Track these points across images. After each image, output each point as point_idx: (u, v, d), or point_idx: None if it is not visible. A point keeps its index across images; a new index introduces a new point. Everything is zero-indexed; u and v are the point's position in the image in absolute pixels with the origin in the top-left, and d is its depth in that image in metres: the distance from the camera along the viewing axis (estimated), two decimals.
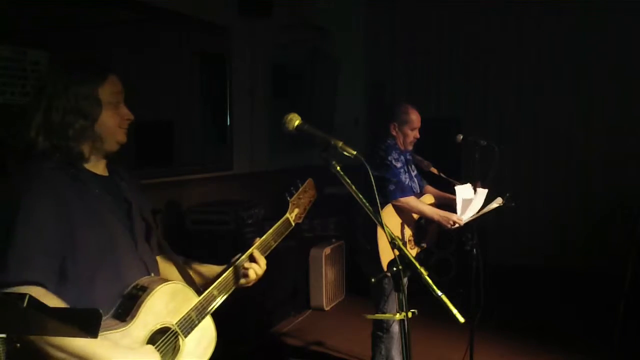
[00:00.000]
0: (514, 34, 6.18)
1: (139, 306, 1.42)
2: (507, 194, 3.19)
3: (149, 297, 1.44)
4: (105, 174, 1.57)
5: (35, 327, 1.12)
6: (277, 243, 1.77)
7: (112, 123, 1.51)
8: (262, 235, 1.74)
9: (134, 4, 3.85)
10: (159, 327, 1.46)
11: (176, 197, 4.25)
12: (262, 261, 1.69)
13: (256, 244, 1.71)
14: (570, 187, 6.09)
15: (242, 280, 1.66)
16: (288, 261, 4.59)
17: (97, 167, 1.55)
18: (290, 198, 1.84)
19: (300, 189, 1.88)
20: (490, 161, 3.23)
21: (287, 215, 1.82)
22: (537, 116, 6.19)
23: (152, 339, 1.44)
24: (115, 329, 1.38)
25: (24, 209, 1.34)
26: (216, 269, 1.71)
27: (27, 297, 0.98)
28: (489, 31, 6.29)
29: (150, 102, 4.00)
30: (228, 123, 4.93)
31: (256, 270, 1.66)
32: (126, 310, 1.42)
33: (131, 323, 1.40)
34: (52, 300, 1.30)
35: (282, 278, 4.52)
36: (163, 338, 1.47)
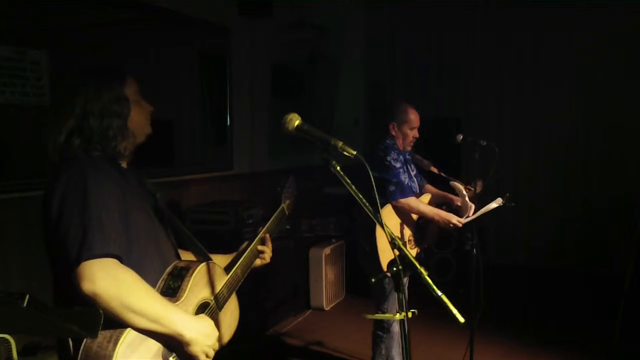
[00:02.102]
0: (514, 34, 6.18)
1: (186, 284, 1.58)
2: (507, 194, 3.19)
3: (192, 276, 1.60)
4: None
5: (35, 327, 1.12)
6: (276, 229, 2.05)
7: (140, 118, 1.67)
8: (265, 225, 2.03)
9: (134, 4, 3.85)
10: (201, 302, 1.64)
11: (176, 197, 4.25)
12: (270, 244, 1.96)
13: (263, 230, 1.97)
14: (570, 187, 6.09)
15: (258, 261, 1.93)
16: (288, 261, 4.59)
17: (124, 162, 1.68)
18: (282, 191, 2.12)
19: (287, 184, 2.16)
20: (490, 161, 3.23)
21: (283, 205, 2.11)
22: (537, 116, 6.20)
23: (196, 313, 1.61)
24: (174, 303, 1.53)
25: (93, 191, 1.45)
26: (224, 257, 1.92)
27: (27, 297, 0.98)
28: (489, 31, 6.30)
29: (150, 102, 3.99)
30: (228, 123, 4.93)
31: (268, 251, 1.94)
32: (173, 288, 1.58)
33: (183, 298, 1.56)
34: (130, 272, 1.42)
35: (282, 278, 4.52)
36: (204, 312, 1.64)
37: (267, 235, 1.96)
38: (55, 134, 1.56)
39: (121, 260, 1.43)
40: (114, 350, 1.36)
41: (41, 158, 1.62)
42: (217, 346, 1.60)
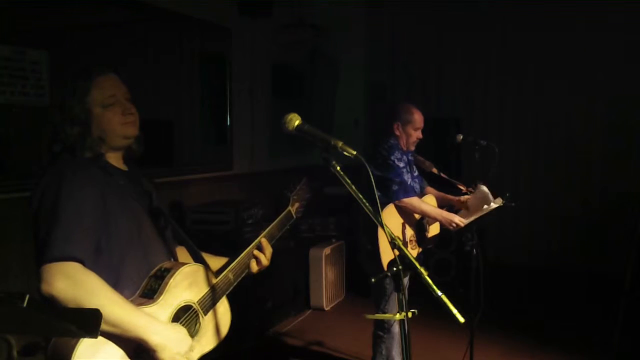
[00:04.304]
0: (514, 33, 6.18)
1: (165, 285, 1.55)
2: (507, 194, 3.19)
3: (173, 277, 1.57)
4: (125, 169, 1.71)
5: (35, 327, 1.12)
6: (280, 233, 1.93)
7: (112, 122, 1.61)
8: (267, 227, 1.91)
9: (134, 4, 3.85)
10: (182, 305, 1.59)
11: (176, 197, 4.25)
12: (269, 249, 1.84)
13: (264, 232, 1.87)
14: (570, 187, 6.09)
15: (254, 266, 1.81)
16: (288, 261, 4.59)
17: (118, 162, 1.68)
18: (291, 193, 2.00)
19: (299, 186, 2.05)
20: (490, 161, 3.23)
21: (289, 208, 1.98)
22: (537, 116, 6.19)
23: (176, 316, 1.57)
24: (146, 305, 1.50)
25: (66, 193, 1.46)
26: (221, 259, 1.85)
27: (27, 297, 0.98)
28: (489, 31, 6.29)
29: (150, 102, 4.00)
30: (228, 123, 4.93)
31: (265, 256, 1.82)
32: (153, 290, 1.55)
33: (159, 300, 1.53)
34: (91, 276, 1.42)
35: (282, 278, 4.52)
36: (186, 315, 1.60)
37: (265, 241, 1.84)
38: (46, 137, 1.61)
39: (84, 263, 1.42)
40: (76, 344, 1.36)
41: (41, 158, 1.65)
42: (190, 355, 1.55)
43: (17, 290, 1.17)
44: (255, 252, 1.82)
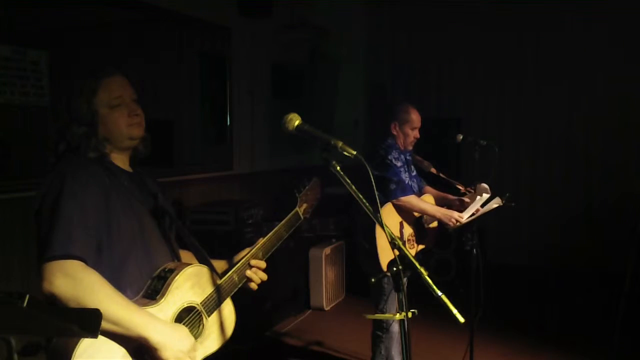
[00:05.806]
0: (514, 34, 6.19)
1: (168, 286, 1.54)
2: (507, 194, 3.19)
3: (176, 278, 1.56)
4: (131, 170, 1.71)
5: (36, 327, 1.12)
6: (287, 234, 1.89)
7: (118, 123, 1.62)
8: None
9: (134, 4, 3.85)
10: (185, 305, 1.58)
11: (176, 197, 4.25)
12: (262, 264, 1.79)
13: (270, 233, 1.84)
14: (570, 187, 6.09)
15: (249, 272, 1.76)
16: (288, 261, 4.59)
17: (124, 163, 1.69)
18: (299, 194, 1.95)
19: (308, 186, 2.00)
20: (490, 161, 3.23)
21: (297, 208, 1.93)
22: (537, 116, 6.20)
23: (179, 317, 1.56)
24: (148, 306, 1.50)
25: (69, 191, 1.46)
26: (223, 263, 1.83)
27: (27, 297, 0.98)
28: (489, 31, 6.30)
29: (150, 102, 4.00)
30: (228, 123, 4.93)
31: (255, 277, 1.77)
32: (156, 290, 1.55)
33: (161, 301, 1.52)
34: (92, 274, 1.41)
35: (282, 278, 4.52)
36: (189, 316, 1.59)
37: (254, 260, 1.76)
38: (52, 137, 1.60)
39: (86, 261, 1.42)
40: (76, 344, 1.35)
41: (41, 158, 1.64)
42: (194, 355, 1.53)
43: (18, 290, 1.17)
44: (248, 272, 1.75)
